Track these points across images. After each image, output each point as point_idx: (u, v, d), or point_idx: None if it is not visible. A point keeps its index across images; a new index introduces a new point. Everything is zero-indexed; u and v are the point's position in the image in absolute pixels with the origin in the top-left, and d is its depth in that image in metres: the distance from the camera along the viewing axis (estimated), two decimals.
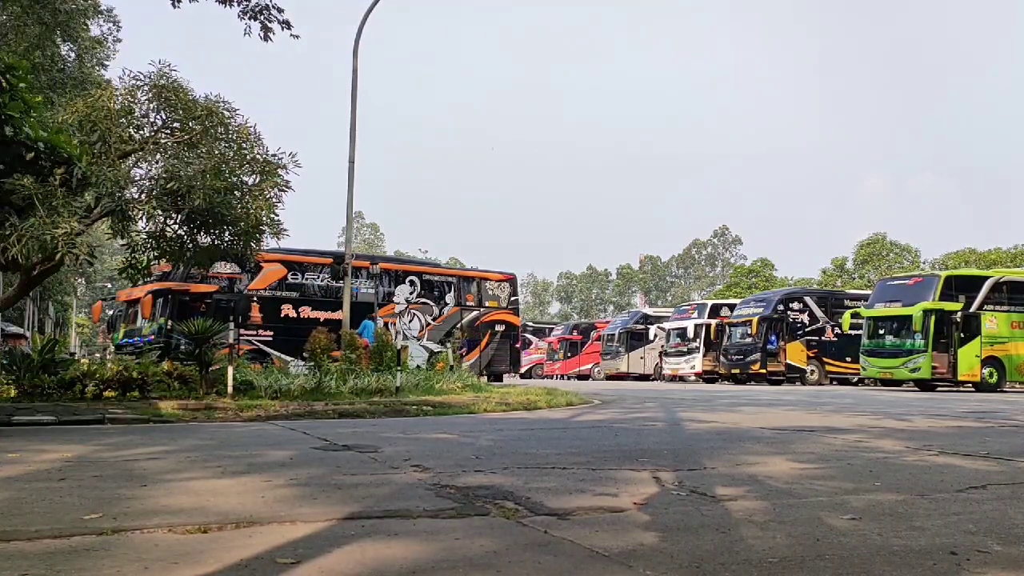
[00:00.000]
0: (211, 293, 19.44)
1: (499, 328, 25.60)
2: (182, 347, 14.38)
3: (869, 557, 2.67)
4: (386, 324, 22.01)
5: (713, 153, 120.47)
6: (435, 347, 23.56)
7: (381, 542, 2.85)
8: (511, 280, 26.74)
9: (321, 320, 20.11)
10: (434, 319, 24.10)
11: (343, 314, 16.44)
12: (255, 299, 20.13)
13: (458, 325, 24.56)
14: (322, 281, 21.53)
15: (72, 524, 3.09)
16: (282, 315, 20.37)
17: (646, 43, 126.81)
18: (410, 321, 23.48)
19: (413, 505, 3.52)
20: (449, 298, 24.57)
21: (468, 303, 24.97)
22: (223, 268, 19.06)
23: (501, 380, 25.81)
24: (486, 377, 24.28)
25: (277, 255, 20.26)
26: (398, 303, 23.39)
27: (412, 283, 23.81)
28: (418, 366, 20.00)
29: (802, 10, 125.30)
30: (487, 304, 25.47)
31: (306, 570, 2.48)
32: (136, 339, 19.20)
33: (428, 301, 24.08)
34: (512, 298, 26.47)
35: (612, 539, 2.91)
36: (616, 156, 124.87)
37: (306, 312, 20.82)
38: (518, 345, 27.80)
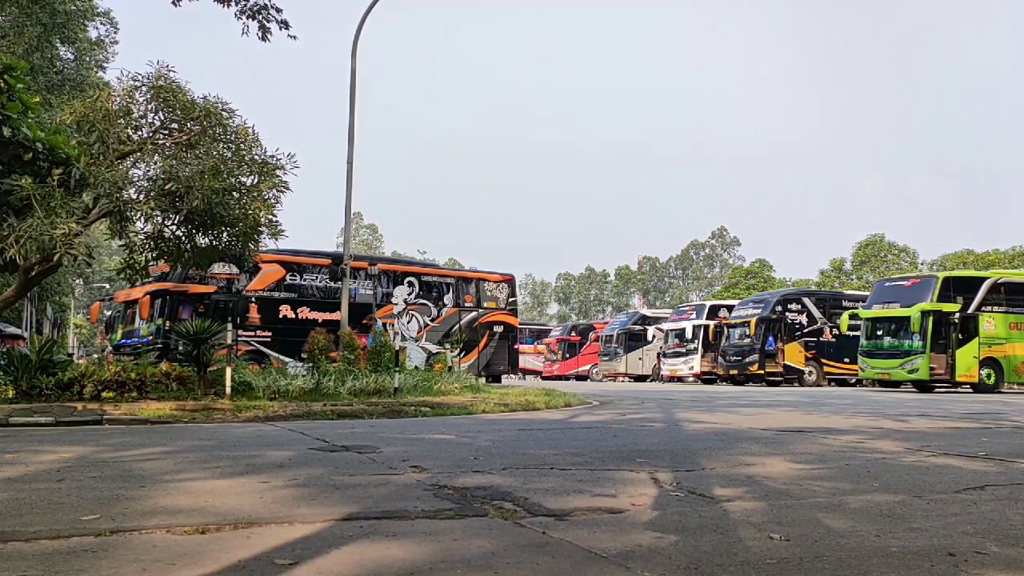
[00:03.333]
0: (209, 294, 19.44)
1: (497, 329, 25.65)
2: (180, 348, 14.41)
3: (867, 558, 2.67)
4: (384, 325, 22.10)
5: (712, 153, 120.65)
6: (434, 348, 23.63)
7: (379, 543, 2.85)
8: (510, 281, 26.80)
9: (320, 321, 20.20)
10: (432, 320, 24.15)
11: (341, 314, 16.48)
12: (253, 300, 20.14)
13: (457, 326, 24.58)
14: (320, 282, 21.54)
15: (71, 525, 3.09)
16: (280, 316, 20.40)
17: (645, 43, 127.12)
18: (408, 322, 23.55)
19: (411, 506, 3.52)
20: (447, 299, 24.61)
21: (467, 304, 25.01)
22: (221, 269, 19.09)
23: (499, 381, 25.85)
24: (484, 378, 24.40)
25: (275, 256, 20.31)
26: (396, 304, 23.43)
27: (411, 284, 23.86)
28: (416, 367, 20.13)
29: (801, 10, 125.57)
30: (485, 305, 25.52)
31: (304, 571, 2.48)
32: (134, 339, 19.20)
33: (426, 302, 24.12)
34: (511, 299, 26.51)
35: (610, 540, 2.91)
36: (615, 156, 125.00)
37: (304, 313, 20.86)
38: (516, 346, 27.95)
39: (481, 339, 25.15)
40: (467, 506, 3.54)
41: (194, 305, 19.03)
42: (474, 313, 25.13)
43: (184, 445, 6.13)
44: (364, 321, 21.39)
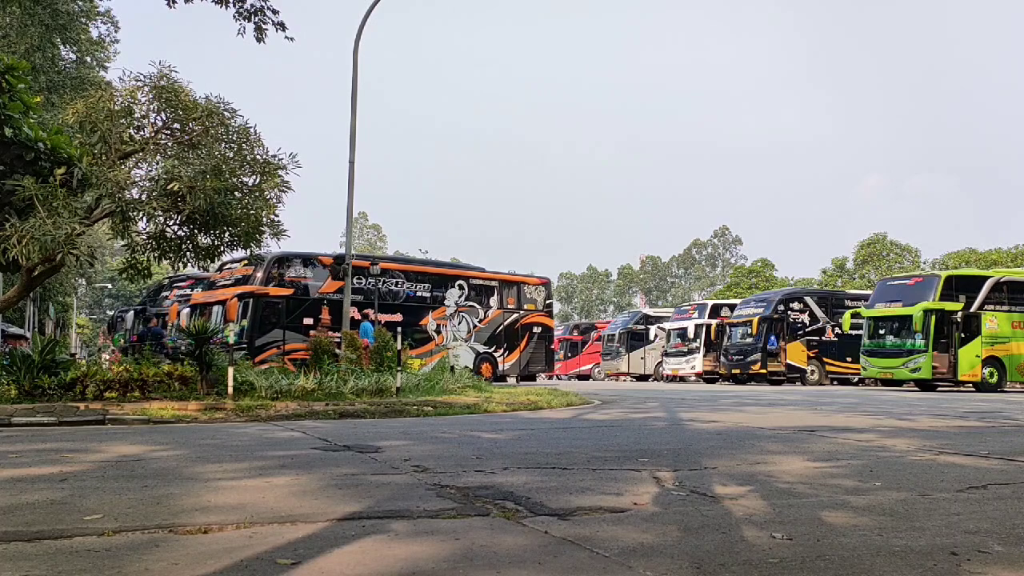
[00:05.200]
0: (288, 296, 20.11)
1: (536, 330, 26.67)
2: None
3: (870, 557, 2.67)
4: (438, 327, 23.43)
5: (714, 152, 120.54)
6: (482, 348, 24.74)
7: (381, 542, 2.85)
8: (546, 284, 28.06)
9: (382, 322, 21.04)
10: (480, 321, 25.14)
11: (344, 314, 16.68)
12: (325, 302, 20.59)
13: (501, 327, 25.63)
14: (383, 285, 22.44)
15: (73, 525, 3.09)
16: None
17: (648, 42, 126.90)
18: (459, 323, 24.47)
19: (413, 505, 3.52)
20: (493, 301, 25.62)
21: (509, 306, 26.07)
22: (296, 272, 20.22)
23: (534, 380, 27.03)
24: (523, 378, 26.02)
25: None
26: (448, 306, 24.30)
27: (461, 287, 24.78)
28: (466, 367, 21.53)
29: (801, 9, 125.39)
30: (525, 307, 26.55)
31: (306, 570, 2.48)
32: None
33: (475, 304, 25.09)
34: (547, 301, 27.60)
35: (612, 539, 2.91)
36: (618, 155, 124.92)
37: (368, 314, 21.55)
38: (552, 346, 29.08)
39: (522, 340, 26.15)
40: (469, 506, 3.54)
41: (274, 307, 19.73)
42: (516, 315, 26.15)
43: (185, 445, 6.14)
44: (422, 322, 22.86)
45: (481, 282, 25.49)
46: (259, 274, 19.63)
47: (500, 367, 25.13)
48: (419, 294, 23.41)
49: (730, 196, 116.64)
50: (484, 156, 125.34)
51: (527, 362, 26.26)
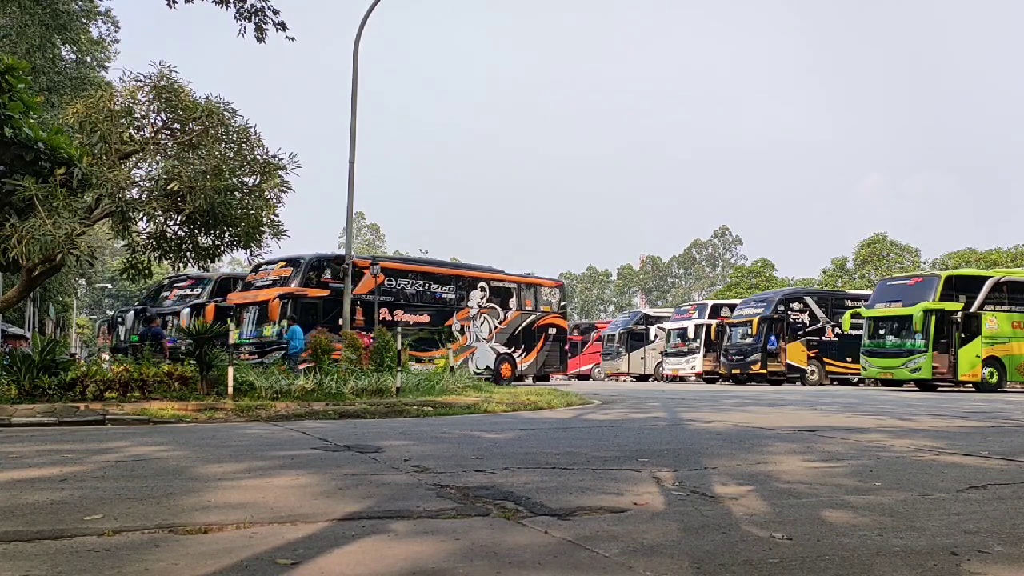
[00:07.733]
0: (324, 297, 20.27)
1: (552, 331, 27.09)
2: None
3: (870, 557, 2.67)
4: (462, 327, 23.80)
5: (714, 153, 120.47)
6: (502, 349, 25.13)
7: (381, 542, 2.85)
8: (560, 287, 28.65)
9: (410, 323, 21.50)
10: (500, 322, 25.50)
11: (344, 314, 16.70)
12: (358, 303, 20.71)
13: (519, 328, 26.03)
14: (411, 287, 22.86)
15: (73, 525, 3.09)
16: (381, 318, 21.05)
17: (647, 43, 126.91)
18: (481, 324, 24.84)
19: (413, 505, 3.52)
20: (512, 303, 26.04)
21: (527, 308, 26.49)
22: (332, 274, 20.43)
23: (548, 380, 27.52)
24: (539, 378, 26.47)
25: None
26: (471, 307, 24.65)
27: (482, 288, 25.16)
28: (487, 366, 22.01)
29: (800, 9, 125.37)
30: (542, 309, 26.98)
31: (306, 570, 2.48)
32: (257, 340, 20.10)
33: (495, 305, 25.45)
34: (561, 303, 28.05)
35: (612, 539, 2.91)
36: (617, 155, 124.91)
37: (398, 315, 21.83)
38: (566, 348, 29.47)
39: (539, 341, 26.54)
40: (469, 506, 3.54)
41: (311, 308, 19.87)
42: (533, 316, 26.54)
43: (185, 445, 6.14)
44: (447, 323, 23.21)
45: (501, 284, 25.89)
46: (297, 276, 19.89)
47: (519, 367, 25.57)
48: (445, 296, 23.80)
49: (730, 196, 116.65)
50: (484, 156, 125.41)
51: (543, 363, 26.75)
